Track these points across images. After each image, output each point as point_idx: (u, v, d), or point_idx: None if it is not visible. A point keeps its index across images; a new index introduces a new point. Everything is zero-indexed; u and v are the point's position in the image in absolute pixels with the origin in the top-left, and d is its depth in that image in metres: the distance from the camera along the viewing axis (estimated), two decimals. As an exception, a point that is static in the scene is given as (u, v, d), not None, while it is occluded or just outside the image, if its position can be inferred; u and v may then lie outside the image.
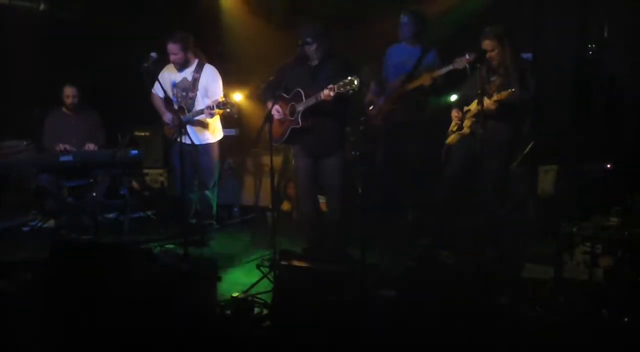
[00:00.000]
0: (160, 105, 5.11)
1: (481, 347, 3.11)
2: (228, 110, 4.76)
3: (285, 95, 4.40)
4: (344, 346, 3.12)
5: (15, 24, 6.09)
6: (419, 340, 3.15)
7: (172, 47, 4.87)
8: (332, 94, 4.04)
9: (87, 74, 6.01)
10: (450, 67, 4.63)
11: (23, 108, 6.04)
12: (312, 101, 4.22)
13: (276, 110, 4.37)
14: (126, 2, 6.43)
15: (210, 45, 5.85)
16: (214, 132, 5.08)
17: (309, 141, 4.41)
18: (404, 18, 5.09)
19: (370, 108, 5.27)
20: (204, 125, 4.99)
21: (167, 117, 5.04)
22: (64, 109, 5.75)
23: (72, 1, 6.48)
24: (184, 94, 4.97)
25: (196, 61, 4.99)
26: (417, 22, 5.06)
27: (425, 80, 4.82)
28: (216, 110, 4.72)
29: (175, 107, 4.92)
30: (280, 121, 4.43)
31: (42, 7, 6.29)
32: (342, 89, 4.01)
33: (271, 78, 4.57)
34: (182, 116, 4.82)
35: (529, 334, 3.22)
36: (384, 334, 3.19)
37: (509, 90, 4.20)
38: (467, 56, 4.49)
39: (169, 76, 5.04)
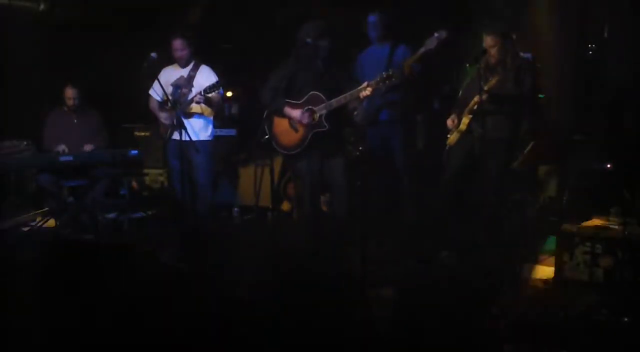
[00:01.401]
0: (155, 108, 5.13)
1: (481, 348, 3.11)
2: (217, 92, 4.78)
3: (295, 102, 4.38)
4: (344, 346, 3.12)
5: (15, 24, 6.09)
6: (418, 340, 3.15)
7: (178, 43, 4.90)
8: (373, 90, 4.08)
9: (87, 74, 6.00)
10: (423, 50, 4.63)
11: (23, 108, 6.03)
12: (342, 101, 4.20)
13: (307, 117, 4.34)
14: (126, 2, 6.42)
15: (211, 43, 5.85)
16: (208, 129, 5.09)
17: (322, 142, 4.38)
18: (371, 18, 5.05)
19: (355, 114, 5.19)
20: (199, 121, 5.00)
21: (163, 116, 5.05)
22: (65, 109, 5.75)
23: (72, 1, 6.47)
24: (178, 91, 4.99)
25: (193, 60, 5.03)
26: (385, 22, 5.03)
27: (403, 70, 4.80)
28: (205, 95, 4.72)
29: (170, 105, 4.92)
30: (294, 128, 4.41)
31: (42, 7, 6.29)
32: (380, 83, 4.01)
33: (272, 81, 4.52)
34: (176, 112, 4.82)
35: (529, 334, 3.22)
36: (382, 334, 3.19)
37: (495, 78, 4.19)
38: (436, 35, 4.52)
39: (166, 75, 5.04)
